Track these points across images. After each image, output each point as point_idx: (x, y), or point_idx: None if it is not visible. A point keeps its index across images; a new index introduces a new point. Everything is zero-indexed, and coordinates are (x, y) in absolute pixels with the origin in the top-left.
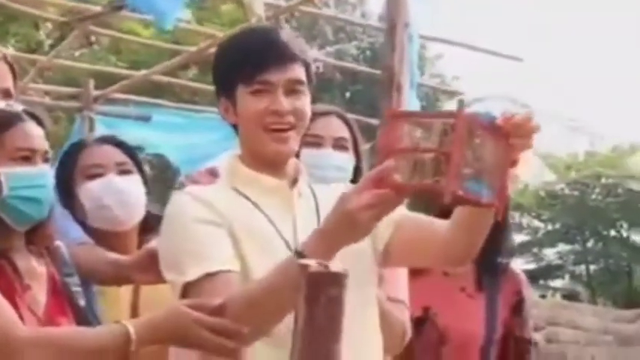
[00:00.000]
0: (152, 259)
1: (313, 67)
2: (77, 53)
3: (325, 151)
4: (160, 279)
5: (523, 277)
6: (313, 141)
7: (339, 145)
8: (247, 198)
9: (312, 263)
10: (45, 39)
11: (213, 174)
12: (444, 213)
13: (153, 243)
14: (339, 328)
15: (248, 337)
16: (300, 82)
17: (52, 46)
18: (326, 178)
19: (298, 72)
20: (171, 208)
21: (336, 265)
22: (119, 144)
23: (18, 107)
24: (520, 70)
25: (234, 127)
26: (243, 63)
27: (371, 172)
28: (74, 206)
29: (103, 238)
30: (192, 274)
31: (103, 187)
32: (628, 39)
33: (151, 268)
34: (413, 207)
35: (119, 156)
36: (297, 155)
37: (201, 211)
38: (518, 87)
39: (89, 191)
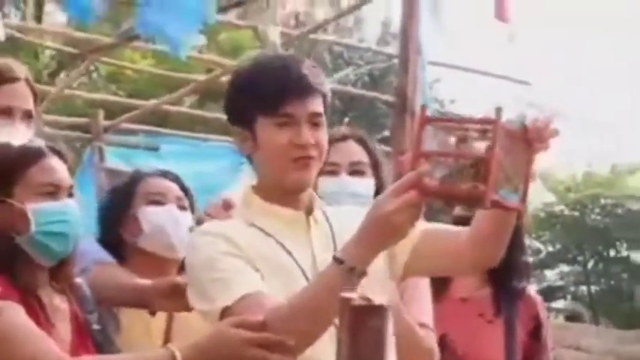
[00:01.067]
0: (174, 288)
1: (329, 99)
2: (75, 83)
3: (341, 179)
4: (180, 307)
5: (539, 300)
6: (329, 169)
7: (355, 170)
8: (264, 231)
9: (355, 297)
10: (43, 69)
11: (228, 207)
12: (458, 220)
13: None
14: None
15: (294, 349)
16: (320, 114)
17: (50, 75)
18: (342, 206)
19: (318, 104)
20: (194, 246)
21: (378, 297)
22: (176, 179)
23: (40, 142)
24: (509, 91)
25: (248, 157)
26: (266, 95)
27: (405, 176)
28: (126, 226)
29: (150, 261)
30: (226, 299)
31: (166, 214)
32: (627, 60)
33: (172, 297)
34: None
35: (178, 191)
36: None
37: (222, 246)
38: (515, 109)
39: (152, 215)
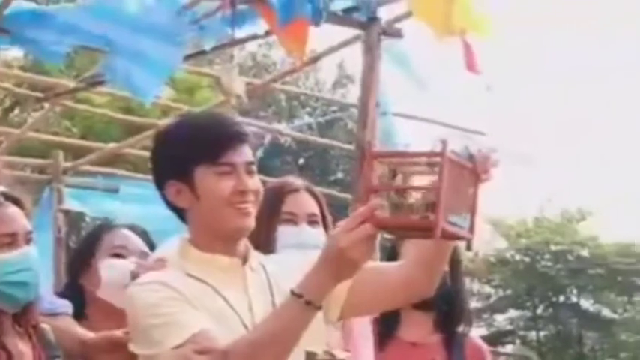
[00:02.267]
0: (114, 341)
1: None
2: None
3: (302, 228)
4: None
5: (485, 347)
6: (288, 218)
7: (311, 221)
8: (199, 279)
9: (319, 352)
10: None
11: (161, 265)
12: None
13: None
14: None
15: None
16: (253, 163)
17: (4, 111)
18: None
19: (250, 153)
20: (132, 297)
21: (340, 352)
22: (143, 234)
23: None
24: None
25: (179, 211)
26: (207, 145)
27: (358, 210)
28: (87, 275)
29: (108, 311)
30: (175, 339)
31: (125, 267)
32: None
33: (113, 350)
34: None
35: (142, 245)
36: (269, 232)
37: (161, 292)
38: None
39: (111, 267)
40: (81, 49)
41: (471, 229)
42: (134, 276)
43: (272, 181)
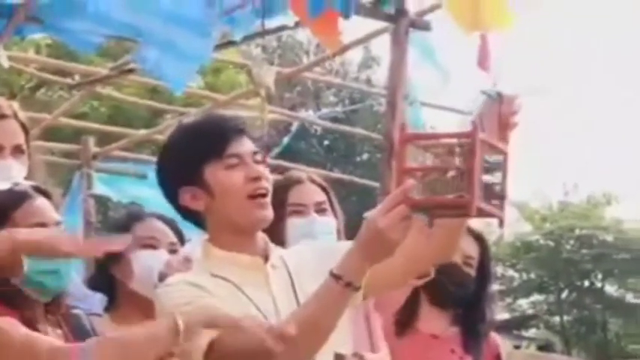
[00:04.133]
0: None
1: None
2: (55, 98)
3: (311, 218)
4: None
5: (500, 341)
6: (296, 210)
7: (320, 209)
8: (225, 278)
9: (348, 355)
10: (26, 83)
11: (187, 261)
12: None
13: None
14: None
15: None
16: (258, 152)
17: (31, 90)
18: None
19: (251, 144)
20: (163, 298)
21: (371, 356)
22: (171, 223)
23: (25, 185)
24: None
25: (195, 217)
26: (211, 140)
27: (393, 192)
28: (119, 266)
29: (139, 303)
30: (211, 332)
31: (157, 259)
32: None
33: None
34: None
35: (171, 236)
36: (277, 225)
37: (192, 291)
38: None
39: (144, 259)
40: (113, 38)
41: (502, 207)
42: (162, 277)
43: (296, 167)
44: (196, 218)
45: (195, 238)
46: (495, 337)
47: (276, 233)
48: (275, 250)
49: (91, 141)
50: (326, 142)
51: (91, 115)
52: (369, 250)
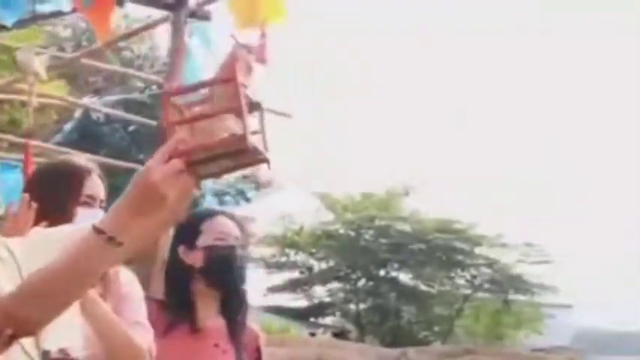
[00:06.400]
0: None
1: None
2: None
3: (97, 210)
4: None
5: (261, 334)
6: (88, 201)
7: (102, 206)
8: None
9: (53, 350)
10: None
11: None
12: None
13: None
14: None
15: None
16: None
17: None
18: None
19: None
20: None
21: (76, 351)
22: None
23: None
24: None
25: None
26: None
27: (163, 146)
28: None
29: None
30: None
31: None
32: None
33: None
34: None
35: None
36: (66, 213)
37: None
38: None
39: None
40: None
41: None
42: None
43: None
44: None
45: None
46: (256, 329)
47: (68, 219)
48: (3, 242)
49: None
50: (131, 128)
51: None
52: (136, 204)
